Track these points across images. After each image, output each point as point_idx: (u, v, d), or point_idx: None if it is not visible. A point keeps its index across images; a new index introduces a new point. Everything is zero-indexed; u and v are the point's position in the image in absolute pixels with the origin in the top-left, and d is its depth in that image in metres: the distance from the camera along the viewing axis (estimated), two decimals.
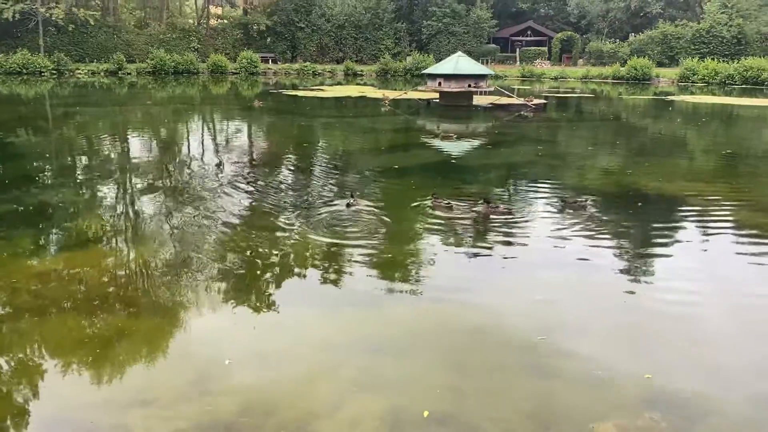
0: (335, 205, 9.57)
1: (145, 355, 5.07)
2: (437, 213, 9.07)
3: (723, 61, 45.66)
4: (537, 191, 11.02)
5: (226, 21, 57.53)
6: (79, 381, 4.67)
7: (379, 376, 4.77)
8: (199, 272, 6.75)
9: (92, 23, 47.39)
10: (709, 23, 52.52)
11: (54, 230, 8.56)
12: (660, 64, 50.57)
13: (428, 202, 9.52)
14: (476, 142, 17.09)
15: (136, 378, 4.71)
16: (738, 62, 43.62)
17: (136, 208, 9.65)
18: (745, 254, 7.75)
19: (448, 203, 9.35)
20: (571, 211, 9.43)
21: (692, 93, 36.18)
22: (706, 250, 7.86)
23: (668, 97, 33.92)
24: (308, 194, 10.49)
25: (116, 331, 5.38)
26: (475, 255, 7.49)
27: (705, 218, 9.33)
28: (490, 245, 7.87)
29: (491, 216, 8.91)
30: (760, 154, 15.91)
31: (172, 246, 7.65)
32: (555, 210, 9.57)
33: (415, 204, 9.60)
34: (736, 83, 41.46)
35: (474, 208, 9.24)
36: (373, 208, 9.27)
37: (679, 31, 53.91)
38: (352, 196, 9.66)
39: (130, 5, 56.56)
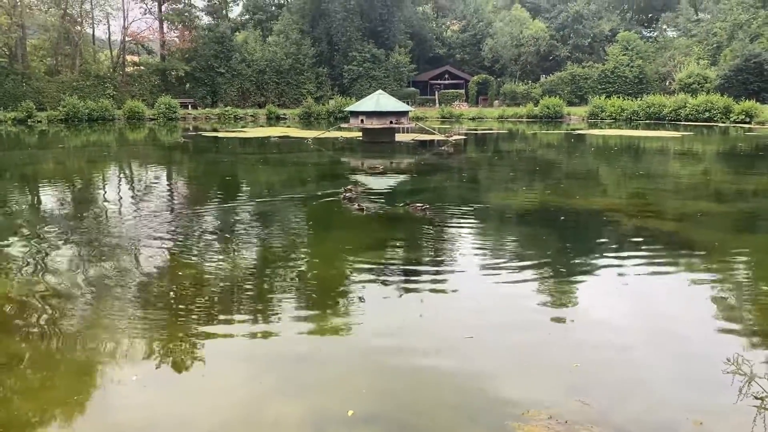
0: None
1: (48, 376, 4.61)
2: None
3: (627, 98, 48.62)
4: (460, 209, 11.12)
5: (143, 68, 56.37)
6: None
7: (302, 382, 4.51)
8: (114, 295, 6.31)
9: None
10: (613, 64, 56.06)
11: None
12: (570, 103, 53.27)
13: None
14: (402, 173, 17.21)
15: (37, 399, 4.25)
16: (641, 99, 46.54)
17: (49, 254, 9.00)
18: (657, 263, 8.04)
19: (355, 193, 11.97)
20: (414, 213, 10.39)
21: (601, 128, 38.14)
22: (623, 259, 8.08)
23: (580, 131, 35.60)
24: (233, 223, 10.18)
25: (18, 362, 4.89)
26: (398, 268, 7.40)
27: (621, 228, 9.69)
28: (413, 258, 7.82)
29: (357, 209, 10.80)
30: (664, 175, 16.80)
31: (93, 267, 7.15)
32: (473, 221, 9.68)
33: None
34: (641, 118, 44.06)
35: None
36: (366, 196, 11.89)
37: (586, 72, 57.20)
38: (355, 183, 12.70)
39: (40, 52, 54.50)
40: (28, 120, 43.08)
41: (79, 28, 53.30)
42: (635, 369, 4.77)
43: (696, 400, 4.31)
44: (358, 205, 11.07)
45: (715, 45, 52.37)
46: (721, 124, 38.66)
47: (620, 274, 7.25)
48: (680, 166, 19.39)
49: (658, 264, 7.71)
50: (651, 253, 8.18)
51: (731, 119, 39.12)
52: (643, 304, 6.26)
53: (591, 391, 4.34)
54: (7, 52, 49.43)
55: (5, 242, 8.81)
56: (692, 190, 13.98)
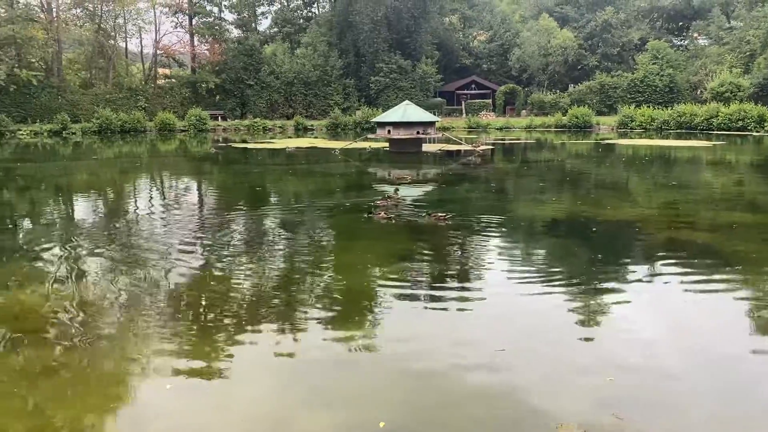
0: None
1: (82, 385, 4.69)
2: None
3: (658, 107, 47.98)
4: (489, 220, 11.06)
5: (174, 80, 57.47)
6: None
7: (331, 393, 4.51)
8: (146, 304, 6.40)
9: (35, 84, 46.65)
10: (643, 73, 55.43)
11: None
12: (599, 113, 52.78)
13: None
14: (429, 183, 17.21)
15: (71, 408, 4.33)
16: (672, 108, 45.86)
17: (84, 263, 9.18)
18: (692, 275, 7.88)
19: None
20: (436, 223, 10.49)
21: (631, 138, 37.68)
22: (656, 271, 7.94)
23: (609, 141, 35.20)
24: (261, 232, 10.29)
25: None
26: (426, 278, 7.38)
27: (653, 239, 9.52)
28: (442, 268, 7.79)
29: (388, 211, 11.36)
30: (697, 185, 16.50)
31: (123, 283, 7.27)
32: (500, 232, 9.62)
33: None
34: (671, 128, 43.39)
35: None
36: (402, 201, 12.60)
37: (616, 81, 56.67)
38: (396, 191, 13.35)
39: (75, 66, 56.00)
40: (63, 132, 44.24)
41: (112, 42, 54.73)
42: (671, 384, 4.66)
43: (735, 418, 4.20)
44: (386, 214, 11.14)
45: (748, 53, 51.40)
46: (755, 133, 37.89)
47: (654, 286, 7.12)
48: (713, 176, 19.03)
49: (693, 275, 7.56)
50: (685, 265, 8.02)
51: (765, 128, 38.31)
52: (678, 318, 6.13)
53: (625, 405, 4.26)
54: (43, 66, 50.83)
55: (40, 251, 9.01)
56: (726, 201, 13.70)
